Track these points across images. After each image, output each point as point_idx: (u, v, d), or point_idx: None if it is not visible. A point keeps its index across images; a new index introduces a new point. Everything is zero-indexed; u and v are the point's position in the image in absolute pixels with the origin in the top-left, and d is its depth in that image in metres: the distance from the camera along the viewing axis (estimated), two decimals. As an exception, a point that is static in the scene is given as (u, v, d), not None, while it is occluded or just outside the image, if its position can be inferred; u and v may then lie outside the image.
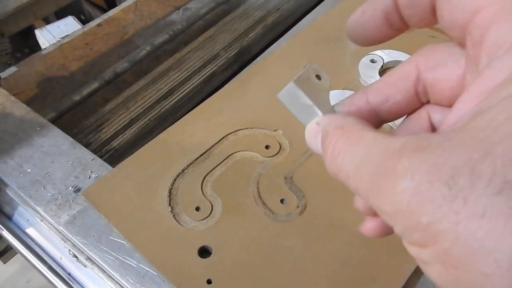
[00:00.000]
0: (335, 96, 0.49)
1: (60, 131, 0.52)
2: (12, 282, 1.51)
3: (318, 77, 0.35)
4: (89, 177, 0.47)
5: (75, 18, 1.57)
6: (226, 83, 0.72)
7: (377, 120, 0.29)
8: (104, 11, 1.57)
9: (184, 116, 0.50)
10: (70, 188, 0.46)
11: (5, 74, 0.73)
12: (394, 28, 0.28)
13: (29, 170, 0.48)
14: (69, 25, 1.55)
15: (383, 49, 0.54)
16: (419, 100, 0.28)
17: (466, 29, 0.24)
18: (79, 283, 0.47)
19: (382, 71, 0.53)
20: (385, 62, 0.53)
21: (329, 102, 0.30)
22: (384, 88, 0.28)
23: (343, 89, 0.51)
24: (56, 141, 0.51)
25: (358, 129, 0.24)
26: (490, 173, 0.18)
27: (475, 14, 0.23)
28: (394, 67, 0.53)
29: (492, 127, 0.19)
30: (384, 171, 0.21)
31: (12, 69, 0.75)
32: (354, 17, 0.29)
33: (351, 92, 0.50)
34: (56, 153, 0.49)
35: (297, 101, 0.31)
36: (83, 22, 1.60)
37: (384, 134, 0.23)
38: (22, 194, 0.46)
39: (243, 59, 0.74)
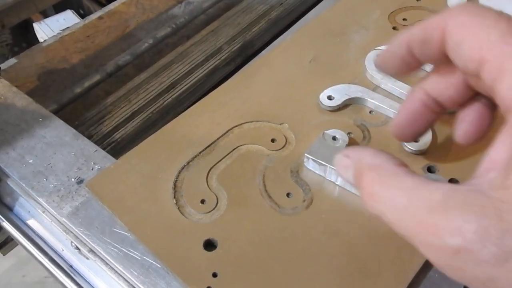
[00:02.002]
0: (341, 90, 0.49)
1: (63, 122, 0.51)
2: (7, 276, 1.50)
3: (334, 138, 0.43)
4: (92, 169, 0.47)
5: (74, 12, 1.57)
6: (229, 77, 0.71)
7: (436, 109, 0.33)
8: (103, 5, 1.56)
9: (189, 108, 0.49)
10: (72, 179, 0.46)
11: (5, 65, 0.73)
12: (411, 68, 0.33)
13: (31, 161, 0.47)
14: (68, 19, 1.54)
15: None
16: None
17: (478, 73, 0.26)
18: (81, 275, 0.47)
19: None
20: (392, 57, 0.53)
21: None
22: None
23: (349, 83, 0.51)
24: (58, 132, 0.50)
25: (392, 172, 0.26)
26: None
27: (483, 63, 0.25)
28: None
29: None
30: (433, 225, 0.22)
31: (12, 60, 0.74)
32: (377, 59, 0.35)
33: (357, 86, 0.50)
34: (59, 144, 0.49)
35: (315, 164, 0.42)
36: (82, 16, 1.58)
37: (420, 180, 0.25)
38: (24, 185, 0.46)
39: (246, 53, 0.73)
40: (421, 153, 0.44)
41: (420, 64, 0.32)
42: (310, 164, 0.43)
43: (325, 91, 0.49)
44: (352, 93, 0.49)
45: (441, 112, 0.34)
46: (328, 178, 0.43)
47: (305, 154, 0.43)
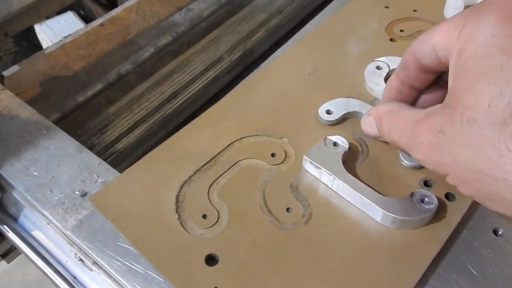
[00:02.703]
0: (340, 104, 0.50)
1: (66, 134, 0.52)
2: (8, 275, 1.51)
3: (335, 144, 0.46)
4: (96, 182, 0.47)
5: (75, 14, 1.57)
6: (229, 86, 0.72)
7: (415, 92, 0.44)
8: (104, 6, 1.57)
9: (190, 122, 0.50)
10: (76, 192, 0.47)
11: (7, 72, 0.73)
12: (409, 95, 0.44)
13: (36, 173, 0.48)
14: (68, 21, 1.55)
15: (389, 55, 0.55)
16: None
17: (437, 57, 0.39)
18: (84, 287, 0.48)
19: (388, 77, 0.54)
20: (391, 69, 0.54)
21: (340, 162, 0.44)
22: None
23: (348, 96, 0.52)
24: (62, 144, 0.51)
25: (399, 108, 0.40)
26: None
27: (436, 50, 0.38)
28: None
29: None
30: (412, 136, 0.37)
31: (15, 67, 0.75)
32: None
33: (355, 100, 0.51)
34: (62, 156, 0.50)
35: (312, 166, 0.45)
36: (83, 17, 1.60)
37: (414, 110, 0.39)
38: (28, 197, 0.47)
39: (246, 62, 0.74)
40: (418, 167, 0.45)
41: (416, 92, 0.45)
42: (308, 166, 0.45)
43: (324, 105, 0.50)
44: (351, 107, 0.50)
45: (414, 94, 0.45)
46: (322, 181, 0.44)
47: (304, 156, 0.44)
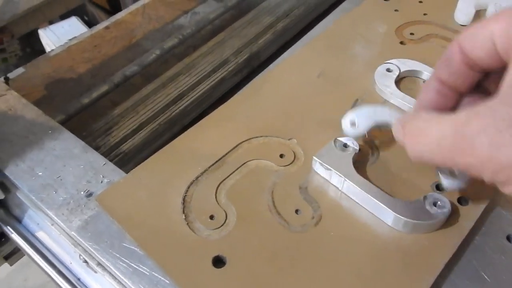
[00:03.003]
0: (367, 113, 0.44)
1: (72, 134, 0.51)
2: (9, 280, 1.50)
3: (346, 145, 0.44)
4: (101, 182, 0.47)
5: (79, 19, 1.57)
6: (235, 89, 0.72)
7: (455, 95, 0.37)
8: (108, 12, 1.57)
9: (198, 123, 0.49)
10: (82, 192, 0.46)
11: (12, 75, 0.73)
12: (450, 98, 0.37)
13: (41, 173, 0.48)
14: (72, 26, 1.55)
15: (399, 58, 0.54)
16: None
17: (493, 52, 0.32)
18: (88, 289, 0.47)
19: (398, 80, 0.53)
20: (401, 71, 0.53)
21: (350, 164, 0.42)
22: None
23: (358, 98, 0.51)
24: (67, 144, 0.50)
25: (428, 117, 0.33)
26: None
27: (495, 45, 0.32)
28: (410, 76, 0.53)
29: None
30: (461, 138, 0.29)
31: (20, 70, 0.74)
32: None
33: (385, 109, 0.44)
34: (68, 157, 0.49)
35: (322, 168, 0.43)
36: (86, 23, 1.60)
37: (446, 114, 0.31)
38: (33, 197, 0.46)
39: (252, 65, 0.74)
40: (462, 189, 0.42)
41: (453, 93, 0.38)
42: (317, 167, 0.44)
43: (348, 115, 0.45)
44: (379, 117, 0.44)
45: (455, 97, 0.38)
46: (332, 183, 0.43)
47: (314, 157, 0.44)
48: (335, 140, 0.44)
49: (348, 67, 0.56)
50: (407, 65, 0.54)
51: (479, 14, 0.62)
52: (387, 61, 0.54)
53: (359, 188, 0.41)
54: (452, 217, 0.41)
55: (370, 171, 0.45)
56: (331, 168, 0.43)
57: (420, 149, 0.32)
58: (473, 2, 0.61)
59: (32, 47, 1.57)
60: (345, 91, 0.52)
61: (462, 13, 0.61)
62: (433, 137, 0.31)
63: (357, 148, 0.44)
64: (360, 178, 0.42)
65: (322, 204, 0.42)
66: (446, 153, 0.30)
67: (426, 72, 0.53)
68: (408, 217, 0.39)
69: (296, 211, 0.42)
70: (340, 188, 0.43)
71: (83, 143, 0.50)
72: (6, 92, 0.56)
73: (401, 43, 0.59)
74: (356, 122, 0.44)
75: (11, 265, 0.62)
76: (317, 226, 0.41)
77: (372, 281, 0.37)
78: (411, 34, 0.60)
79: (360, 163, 0.45)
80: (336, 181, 0.43)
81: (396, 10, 0.64)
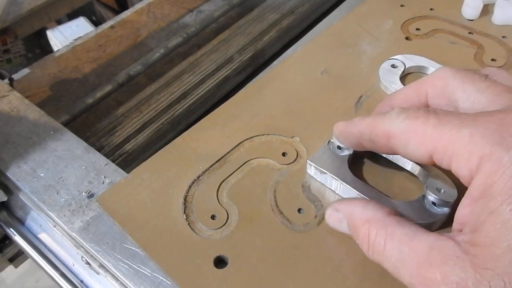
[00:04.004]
0: None
1: (74, 135, 0.51)
2: (21, 281, 1.51)
3: (339, 147, 0.43)
4: (103, 183, 0.46)
5: (87, 19, 1.58)
6: (239, 87, 0.71)
7: None
8: (115, 12, 1.57)
9: (199, 121, 0.49)
10: (83, 193, 0.46)
11: (18, 75, 0.73)
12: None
13: (43, 174, 0.48)
14: (80, 26, 1.55)
15: (405, 54, 0.53)
16: None
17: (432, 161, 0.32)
18: (91, 291, 0.47)
19: (403, 76, 0.52)
20: (406, 67, 0.52)
21: (346, 166, 0.41)
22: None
23: (361, 95, 0.50)
24: (70, 145, 0.50)
25: (383, 225, 0.31)
26: None
27: (432, 154, 0.31)
28: (415, 72, 0.52)
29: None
30: (423, 278, 0.28)
31: (25, 70, 0.75)
32: (340, 133, 0.41)
33: None
34: (70, 158, 0.49)
35: (317, 171, 0.42)
36: (94, 23, 1.60)
37: (409, 230, 0.30)
38: (35, 199, 0.46)
39: (257, 63, 0.73)
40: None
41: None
42: (312, 171, 0.43)
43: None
44: None
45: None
46: (328, 187, 0.42)
47: (308, 161, 0.43)
48: (329, 142, 0.43)
49: (353, 64, 0.55)
50: (412, 60, 0.53)
51: (487, 8, 0.61)
52: (392, 57, 0.53)
53: (356, 191, 0.40)
54: (452, 217, 0.40)
55: (367, 171, 0.43)
56: (327, 172, 0.42)
57: (380, 257, 0.31)
58: (481, -5, 0.59)
59: (41, 48, 1.58)
60: (349, 88, 0.52)
61: (470, 7, 0.60)
62: (399, 254, 0.30)
63: (352, 149, 0.43)
64: (357, 181, 0.41)
65: (325, 203, 0.41)
66: (406, 273, 0.29)
67: (432, 68, 0.52)
68: (408, 217, 0.38)
69: (299, 210, 0.41)
70: (337, 192, 0.42)
71: (85, 143, 0.50)
72: (9, 93, 0.56)
73: (407, 38, 0.58)
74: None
75: (16, 267, 0.62)
76: (320, 225, 0.40)
77: (376, 282, 0.36)
78: (417, 29, 0.59)
79: (356, 164, 0.44)
80: (332, 184, 0.42)
81: (402, 6, 0.63)
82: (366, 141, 0.36)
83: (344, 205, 0.35)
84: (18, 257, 0.61)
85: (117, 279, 0.41)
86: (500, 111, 0.29)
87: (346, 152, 0.43)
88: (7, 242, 0.57)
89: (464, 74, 0.34)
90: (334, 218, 0.36)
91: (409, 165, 0.42)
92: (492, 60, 0.54)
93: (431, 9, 0.63)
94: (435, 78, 0.36)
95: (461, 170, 0.29)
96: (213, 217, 0.41)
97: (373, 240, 0.31)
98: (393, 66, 0.52)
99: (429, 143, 0.30)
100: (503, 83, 0.33)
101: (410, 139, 0.31)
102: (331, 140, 0.43)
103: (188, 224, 0.40)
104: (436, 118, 0.30)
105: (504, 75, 0.36)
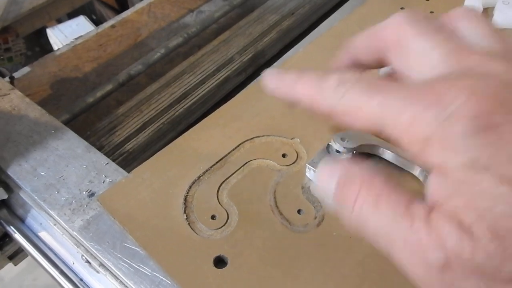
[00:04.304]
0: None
1: (75, 134, 0.51)
2: (19, 279, 1.51)
3: (338, 151, 0.42)
4: (104, 182, 0.47)
5: (87, 18, 1.58)
6: (240, 87, 0.71)
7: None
8: (116, 11, 1.57)
9: (200, 122, 0.49)
10: (84, 192, 0.46)
11: (18, 74, 0.73)
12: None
13: (43, 173, 0.48)
14: (80, 25, 1.55)
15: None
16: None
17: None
18: (91, 289, 0.47)
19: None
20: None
21: None
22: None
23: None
24: (70, 144, 0.50)
25: (380, 190, 0.25)
26: None
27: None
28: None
29: None
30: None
31: (26, 69, 0.75)
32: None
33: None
34: (71, 157, 0.49)
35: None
36: (95, 22, 1.60)
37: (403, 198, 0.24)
38: (36, 197, 0.46)
39: (257, 63, 0.73)
40: None
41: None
42: (312, 175, 0.43)
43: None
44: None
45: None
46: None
47: (307, 164, 0.43)
48: (328, 146, 0.44)
49: (353, 65, 0.55)
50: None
51: (487, 12, 0.61)
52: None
53: None
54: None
55: None
56: None
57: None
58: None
59: (41, 46, 1.58)
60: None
61: (469, 11, 0.60)
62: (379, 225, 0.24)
63: (350, 152, 0.43)
64: None
65: (325, 203, 0.42)
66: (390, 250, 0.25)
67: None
68: None
69: (299, 211, 0.41)
70: None
71: (86, 142, 0.50)
72: (10, 92, 0.56)
73: (407, 41, 0.58)
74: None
75: (15, 265, 0.62)
76: (319, 226, 0.40)
77: (375, 281, 0.37)
78: (417, 31, 0.59)
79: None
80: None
81: (402, 8, 0.64)
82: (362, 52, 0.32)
83: (343, 165, 0.28)
84: (17, 254, 0.61)
85: (117, 278, 0.42)
86: (433, 81, 0.25)
87: (345, 156, 0.43)
88: (7, 240, 0.58)
89: (419, 23, 0.28)
90: (327, 170, 0.27)
91: (409, 167, 0.42)
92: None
93: (431, 12, 0.63)
94: (389, 27, 0.29)
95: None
96: (213, 217, 0.41)
97: (366, 206, 0.25)
98: (392, 68, 0.52)
99: (375, 123, 0.26)
100: (463, 33, 0.28)
101: (355, 121, 0.27)
102: (330, 143, 0.43)
103: (188, 224, 0.41)
104: (381, 95, 0.25)
105: (472, 21, 0.28)
